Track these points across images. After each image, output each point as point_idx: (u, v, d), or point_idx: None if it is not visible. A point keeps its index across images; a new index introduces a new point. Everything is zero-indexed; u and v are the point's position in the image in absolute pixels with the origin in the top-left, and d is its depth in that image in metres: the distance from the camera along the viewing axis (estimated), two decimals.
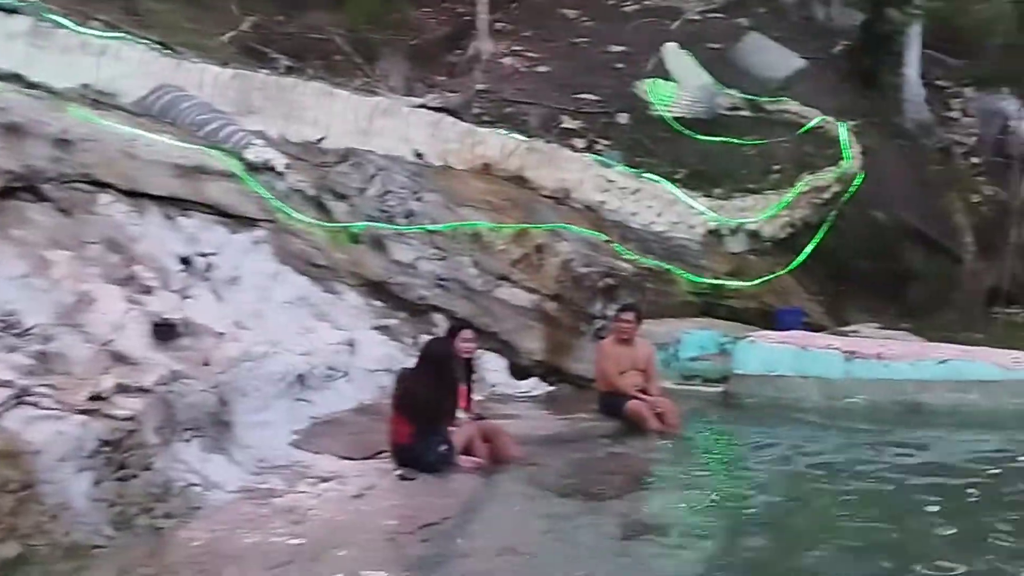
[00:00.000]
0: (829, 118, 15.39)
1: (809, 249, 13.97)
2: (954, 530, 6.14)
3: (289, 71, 14.70)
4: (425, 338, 9.47)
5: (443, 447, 7.26)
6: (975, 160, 17.26)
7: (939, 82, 18.47)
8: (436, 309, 11.23)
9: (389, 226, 11.68)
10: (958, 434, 9.42)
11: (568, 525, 6.27)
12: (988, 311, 15.10)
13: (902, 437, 9.16)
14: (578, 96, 15.89)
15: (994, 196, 16.49)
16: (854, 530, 6.23)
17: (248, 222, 10.50)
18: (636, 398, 9.20)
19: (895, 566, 5.56)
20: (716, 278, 13.17)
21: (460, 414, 7.76)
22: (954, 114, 18.14)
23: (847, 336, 12.13)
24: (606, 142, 14.94)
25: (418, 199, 12.18)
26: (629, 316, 9.58)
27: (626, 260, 12.37)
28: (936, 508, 6.78)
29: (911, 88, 17.14)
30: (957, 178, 16.69)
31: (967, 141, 17.62)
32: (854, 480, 7.58)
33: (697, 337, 11.63)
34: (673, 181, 14.10)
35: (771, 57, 16.98)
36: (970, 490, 7.28)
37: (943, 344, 11.69)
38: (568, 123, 15.28)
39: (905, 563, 5.58)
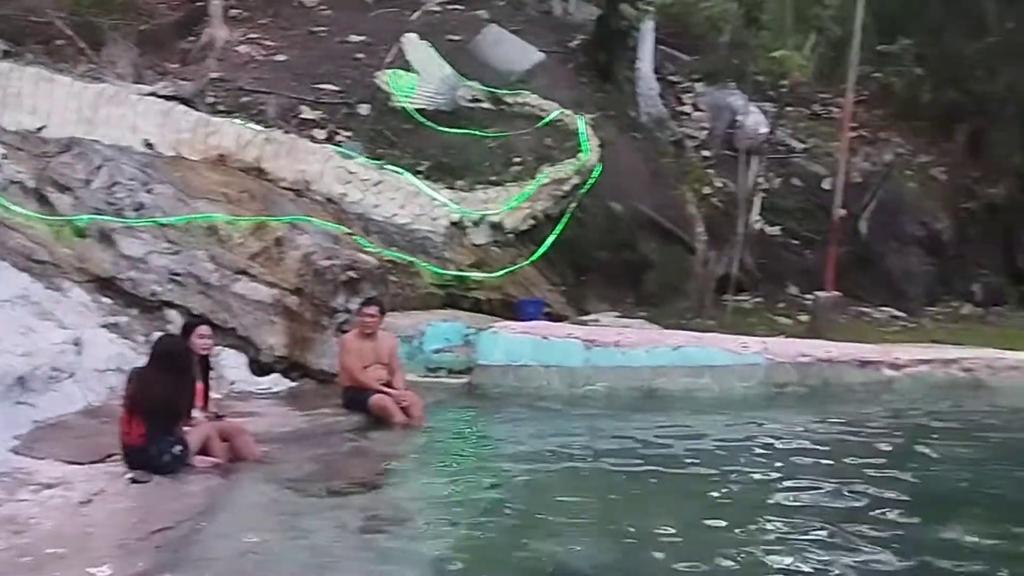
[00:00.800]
0: (568, 111, 15.71)
1: (550, 240, 14.22)
2: (691, 512, 6.31)
3: (5, 55, 13.57)
4: (158, 335, 8.94)
5: (178, 448, 7.02)
6: (706, 153, 18.10)
7: (672, 77, 19.29)
8: (170, 305, 10.80)
9: (117, 219, 11.18)
10: (692, 418, 9.77)
11: (309, 522, 6.10)
12: (719, 298, 15.83)
13: (640, 422, 9.43)
14: (318, 86, 15.51)
15: (724, 188, 17.34)
16: (593, 515, 6.31)
17: None
18: (380, 392, 9.09)
19: (630, 549, 5.66)
20: (460, 270, 13.17)
21: (196, 413, 7.51)
22: (686, 108, 18.98)
23: (587, 325, 12.42)
24: (347, 133, 14.66)
25: (148, 191, 11.66)
26: (372, 310, 9.46)
27: (369, 253, 12.15)
28: (670, 490, 7.00)
29: (645, 83, 17.77)
30: (689, 171, 17.41)
31: (698, 135, 18.46)
32: (594, 466, 7.71)
33: (441, 329, 11.59)
34: (416, 173, 14.00)
35: (510, 50, 17.17)
36: (703, 471, 7.56)
37: (677, 331, 12.19)
38: (307, 113, 14.89)
39: (640, 546, 5.70)
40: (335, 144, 14.17)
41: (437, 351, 11.40)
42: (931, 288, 18.13)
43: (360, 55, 16.49)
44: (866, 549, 5.61)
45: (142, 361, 7.92)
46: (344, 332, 10.22)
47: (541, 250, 14.10)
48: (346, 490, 7.00)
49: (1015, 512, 6.66)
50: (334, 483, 7.19)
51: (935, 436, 8.90)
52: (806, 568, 5.27)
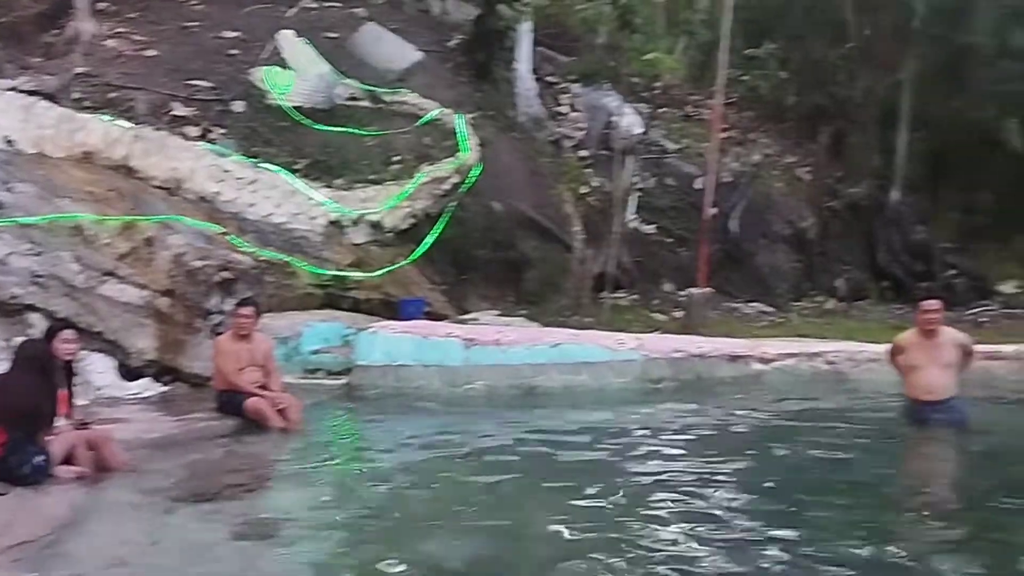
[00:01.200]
0: (447, 110, 15.74)
1: (430, 239, 14.22)
2: (567, 507, 6.39)
3: None
4: (19, 340, 8.60)
5: (40, 458, 6.69)
6: (583, 153, 18.37)
7: (549, 78, 19.49)
8: (32, 309, 10.30)
9: None
10: (570, 414, 9.90)
11: (179, 531, 5.93)
12: (596, 296, 16.10)
13: (519, 419, 9.52)
14: (190, 82, 15.18)
15: (600, 187, 17.62)
16: (472, 513, 6.34)
17: None
18: (256, 395, 8.93)
19: (508, 545, 5.72)
20: (338, 270, 13.06)
21: (60, 421, 7.20)
22: (563, 109, 19.21)
23: (467, 324, 12.46)
24: (221, 131, 14.40)
25: (8, 189, 11.17)
26: (247, 310, 9.29)
27: (244, 253, 11.94)
28: (548, 486, 7.08)
29: (523, 83, 17.93)
30: (567, 170, 17.66)
31: (575, 135, 18.71)
32: (473, 465, 7.74)
33: (319, 329, 11.47)
34: (292, 171, 13.85)
35: (389, 48, 17.11)
36: (579, 466, 7.67)
37: (556, 329, 12.33)
38: (180, 110, 14.56)
39: (517, 542, 5.76)
40: (208, 142, 13.92)
41: (315, 352, 11.28)
42: (797, 284, 18.79)
43: (234, 51, 16.20)
44: (736, 535, 5.78)
45: (3, 367, 7.59)
46: (218, 334, 10.02)
47: (421, 249, 14.09)
48: (219, 497, 6.82)
49: (873, 498, 6.96)
50: (207, 490, 7.00)
51: (798, 427, 9.23)
52: (680, 556, 5.40)
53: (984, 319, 17.76)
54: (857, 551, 5.48)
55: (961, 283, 19.37)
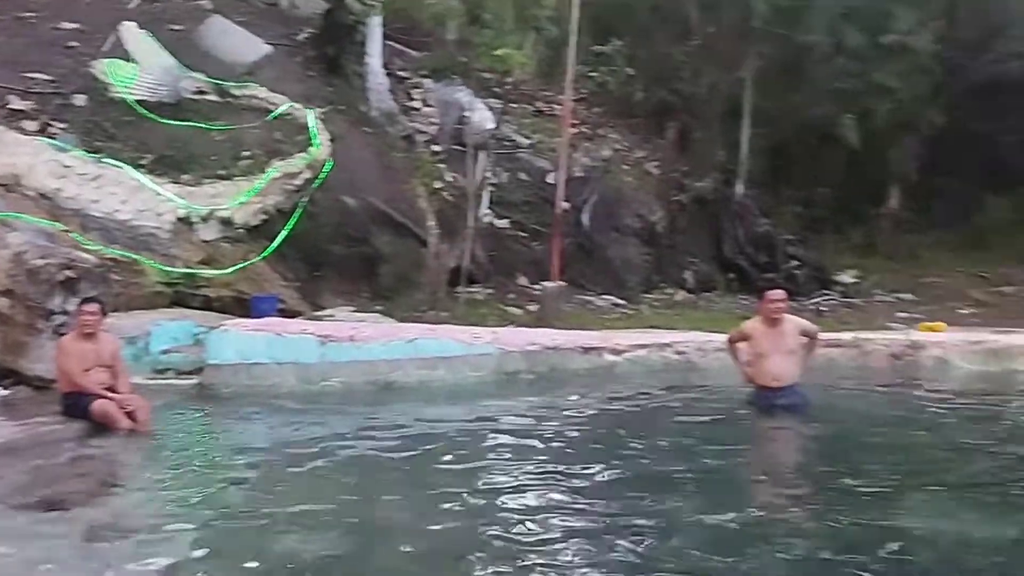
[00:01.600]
0: (297, 105, 15.55)
1: (283, 236, 14.03)
2: (425, 501, 6.46)
3: None
4: None
5: None
6: (436, 148, 18.40)
7: (401, 73, 19.46)
8: None
9: None
10: (426, 408, 9.94)
11: (24, 538, 5.72)
12: (452, 290, 16.17)
13: (375, 415, 9.52)
14: (27, 75, 14.57)
15: (454, 182, 17.70)
16: (329, 510, 6.33)
17: None
18: (103, 397, 8.65)
19: (365, 541, 5.75)
20: (188, 267, 12.77)
21: None
22: (416, 104, 19.21)
23: (322, 320, 12.36)
24: (61, 125, 13.89)
25: None
26: (92, 308, 8.99)
27: (88, 251, 11.53)
28: (405, 481, 7.13)
29: (375, 77, 17.85)
30: (420, 165, 17.66)
31: (428, 130, 18.74)
32: (329, 462, 7.70)
33: (169, 328, 11.18)
34: (138, 167, 13.48)
35: (235, 41, 16.79)
36: (435, 460, 7.74)
37: (412, 324, 12.34)
38: (17, 104, 13.98)
39: (375, 537, 5.80)
40: (48, 136, 13.40)
41: (165, 352, 10.98)
42: (648, 276, 19.30)
43: (74, 43, 15.63)
44: (589, 526, 5.96)
45: None
46: (62, 335, 9.66)
47: (273, 246, 13.89)
48: (67, 502, 6.58)
49: (721, 484, 7.25)
50: (53, 496, 6.76)
51: (650, 417, 9.52)
52: (532, 548, 5.51)
53: (824, 308, 18.62)
54: (706, 537, 5.72)
55: (803, 273, 20.26)
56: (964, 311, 18.52)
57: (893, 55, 20.77)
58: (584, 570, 5.22)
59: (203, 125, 14.66)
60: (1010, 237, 21.67)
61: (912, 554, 5.59)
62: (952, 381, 11.57)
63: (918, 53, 20.95)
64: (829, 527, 6.01)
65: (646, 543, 5.56)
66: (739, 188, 21.38)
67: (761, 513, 6.47)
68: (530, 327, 13.43)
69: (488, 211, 17.92)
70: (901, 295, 20.03)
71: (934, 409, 9.91)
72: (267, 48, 17.05)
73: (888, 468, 7.68)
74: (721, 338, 11.08)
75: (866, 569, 5.22)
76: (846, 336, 12.37)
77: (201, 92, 15.41)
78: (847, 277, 20.95)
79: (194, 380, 10.53)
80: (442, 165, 18.06)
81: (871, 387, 11.09)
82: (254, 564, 5.15)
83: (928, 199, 22.34)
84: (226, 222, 13.68)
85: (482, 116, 18.53)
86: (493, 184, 18.20)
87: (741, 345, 9.30)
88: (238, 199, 13.80)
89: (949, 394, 10.77)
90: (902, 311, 18.49)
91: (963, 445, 8.60)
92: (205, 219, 13.54)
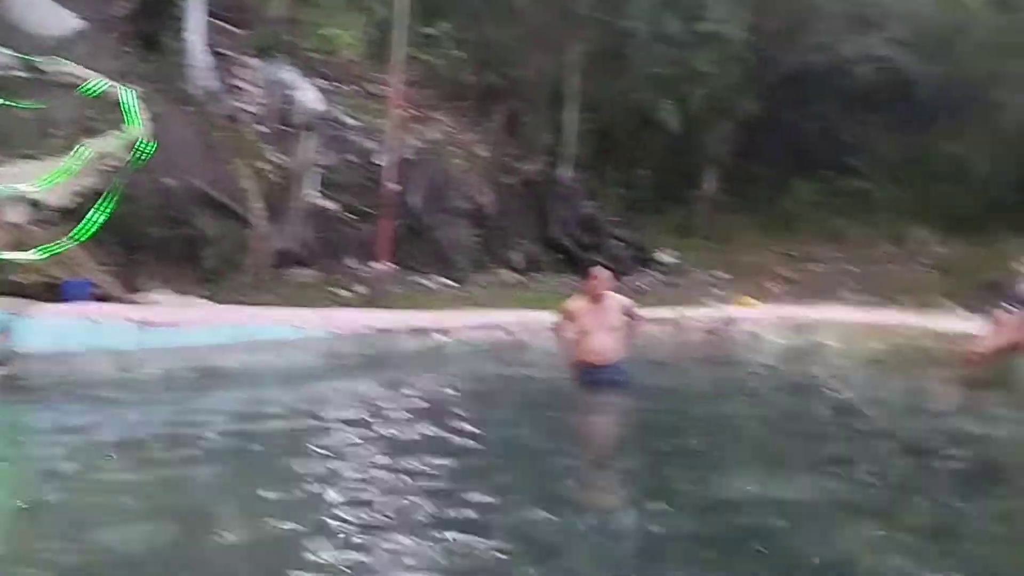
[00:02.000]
0: (112, 82, 14.92)
1: (97, 218, 13.44)
2: (249, 489, 6.37)
3: None
4: None
5: None
6: (262, 128, 17.97)
7: (224, 51, 18.88)
8: None
9: None
10: (250, 393, 9.77)
11: None
12: (279, 273, 15.87)
13: (197, 403, 9.30)
14: None
15: (281, 163, 17.34)
16: (150, 502, 6.19)
17: None
18: None
19: (186, 532, 5.63)
20: None
21: None
22: (240, 83, 18.69)
23: (142, 305, 11.96)
24: None
25: None
26: None
27: None
28: (227, 469, 7.00)
29: (196, 55, 17.27)
30: (244, 145, 17.21)
31: (254, 109, 18.27)
32: (149, 452, 7.50)
33: None
34: None
35: (43, 14, 15.96)
36: (261, 447, 7.63)
37: (237, 307, 12.09)
38: None
39: (196, 528, 5.69)
40: None
41: None
42: (478, 257, 19.41)
43: None
44: (427, 504, 6.02)
45: None
46: None
47: (85, 227, 13.29)
48: None
49: (549, 457, 7.41)
50: None
51: (478, 395, 9.64)
52: (357, 533, 5.52)
53: (646, 287, 19.19)
54: (538, 508, 5.86)
55: (625, 253, 20.79)
56: (774, 288, 19.50)
57: (708, 43, 21.51)
58: (407, 559, 5.24)
59: (9, 102, 13.88)
60: (814, 218, 22.89)
61: (725, 518, 5.87)
62: (764, 355, 12.16)
63: (731, 42, 21.76)
64: (648, 496, 6.25)
65: (469, 527, 5.64)
66: (565, 171, 21.77)
67: (587, 489, 6.66)
68: (359, 309, 13.33)
69: (316, 192, 17.65)
70: (717, 273, 20.85)
71: (747, 382, 10.39)
72: (78, 22, 16.28)
73: (704, 439, 8.03)
74: (549, 317, 11.31)
75: (680, 536, 5.45)
76: (666, 314, 12.81)
77: (7, 67, 14.59)
78: (667, 256, 21.63)
79: (2, 371, 10.02)
80: (268, 146, 17.65)
81: (690, 361, 11.54)
82: (69, 557, 4.98)
83: (742, 182, 23.27)
84: (36, 204, 13.02)
85: (309, 96, 18.23)
86: (322, 166, 17.93)
87: (566, 323, 9.47)
88: (48, 180, 13.15)
89: (760, 367, 11.32)
90: (718, 288, 19.29)
91: (771, 415, 9.07)
92: (13, 201, 12.84)
